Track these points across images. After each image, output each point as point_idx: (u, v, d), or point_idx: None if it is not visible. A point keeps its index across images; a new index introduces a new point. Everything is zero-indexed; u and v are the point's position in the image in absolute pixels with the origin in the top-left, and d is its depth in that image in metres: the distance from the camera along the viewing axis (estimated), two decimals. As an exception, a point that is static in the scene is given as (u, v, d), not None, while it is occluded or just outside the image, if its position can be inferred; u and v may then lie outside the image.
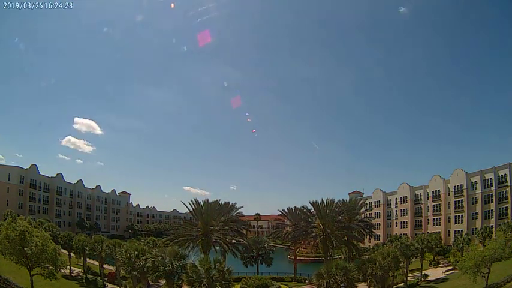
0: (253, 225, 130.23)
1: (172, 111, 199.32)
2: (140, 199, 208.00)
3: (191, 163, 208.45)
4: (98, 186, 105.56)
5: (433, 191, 74.72)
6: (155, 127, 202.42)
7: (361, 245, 55.21)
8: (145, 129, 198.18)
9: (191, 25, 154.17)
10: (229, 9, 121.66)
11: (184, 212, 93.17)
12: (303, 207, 54.09)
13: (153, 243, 52.87)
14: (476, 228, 56.71)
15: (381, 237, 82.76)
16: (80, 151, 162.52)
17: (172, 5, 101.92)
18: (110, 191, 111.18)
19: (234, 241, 47.25)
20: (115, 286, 39.52)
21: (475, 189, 63.52)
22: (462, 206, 65.48)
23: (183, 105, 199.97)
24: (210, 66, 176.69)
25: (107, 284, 40.43)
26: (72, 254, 47.13)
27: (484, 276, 25.15)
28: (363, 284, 30.02)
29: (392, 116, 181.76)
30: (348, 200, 69.71)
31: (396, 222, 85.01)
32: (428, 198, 76.11)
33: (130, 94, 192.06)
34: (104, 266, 44.05)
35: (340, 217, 46.78)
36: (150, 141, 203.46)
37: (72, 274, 43.10)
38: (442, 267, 48.14)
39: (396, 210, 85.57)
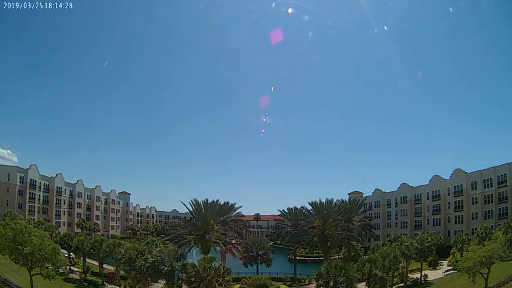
0: (253, 225, 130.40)
1: (174, 111, 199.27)
2: (140, 199, 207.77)
3: (192, 163, 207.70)
4: (98, 186, 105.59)
5: (433, 191, 74.72)
6: (156, 127, 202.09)
7: (361, 245, 55.14)
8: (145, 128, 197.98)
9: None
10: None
11: (184, 212, 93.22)
12: (302, 207, 54.43)
13: (153, 243, 52.89)
14: (476, 228, 56.63)
15: (380, 237, 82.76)
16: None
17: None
18: (109, 191, 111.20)
19: (233, 241, 47.36)
20: (115, 286, 39.54)
21: (475, 189, 63.50)
22: (462, 206, 65.46)
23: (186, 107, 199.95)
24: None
25: (107, 284, 40.44)
26: (71, 254, 47.19)
27: (484, 277, 25.14)
28: (362, 284, 30.03)
29: (392, 115, 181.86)
30: (347, 200, 70.14)
31: (396, 222, 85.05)
32: (428, 198, 76.11)
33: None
34: (104, 266, 44.13)
35: (339, 217, 46.89)
36: (151, 140, 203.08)
37: (71, 274, 43.14)
38: (441, 267, 48.12)
39: (396, 210, 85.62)
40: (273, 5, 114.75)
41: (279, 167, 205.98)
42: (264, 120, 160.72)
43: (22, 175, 73.70)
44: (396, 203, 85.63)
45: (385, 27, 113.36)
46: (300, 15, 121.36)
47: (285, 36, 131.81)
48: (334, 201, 47.33)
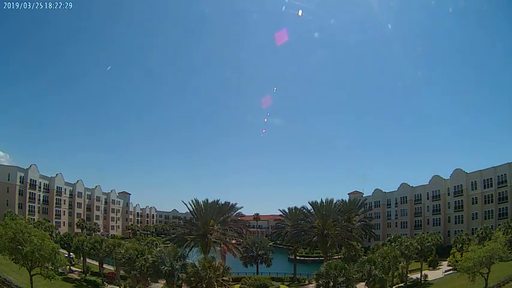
0: (253, 225, 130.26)
1: (175, 111, 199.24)
2: (140, 199, 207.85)
3: (192, 164, 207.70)
4: (98, 186, 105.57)
5: (432, 191, 74.68)
6: (156, 127, 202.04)
7: (361, 245, 55.14)
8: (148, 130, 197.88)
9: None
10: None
11: (184, 212, 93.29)
12: (302, 207, 54.41)
13: (153, 243, 52.90)
14: (476, 228, 56.61)
15: (380, 237, 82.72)
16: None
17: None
18: (109, 191, 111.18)
19: (233, 241, 47.33)
20: (115, 286, 39.53)
21: (475, 189, 63.46)
22: (462, 206, 65.42)
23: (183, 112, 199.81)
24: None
25: (107, 284, 40.44)
26: (71, 254, 47.15)
27: (484, 277, 25.13)
28: (362, 284, 30.02)
29: (392, 115, 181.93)
30: (347, 200, 70.12)
31: (396, 222, 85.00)
32: (428, 198, 76.08)
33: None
34: (104, 266, 44.12)
35: (339, 217, 46.92)
36: (151, 141, 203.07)
37: (71, 274, 43.13)
38: (441, 267, 48.10)
39: (396, 210, 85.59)
40: (283, 8, 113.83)
41: (279, 167, 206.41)
42: (265, 120, 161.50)
43: (22, 175, 73.64)
44: (396, 203, 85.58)
45: (389, 25, 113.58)
46: (303, 16, 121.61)
47: (288, 36, 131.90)
48: (334, 201, 47.40)
